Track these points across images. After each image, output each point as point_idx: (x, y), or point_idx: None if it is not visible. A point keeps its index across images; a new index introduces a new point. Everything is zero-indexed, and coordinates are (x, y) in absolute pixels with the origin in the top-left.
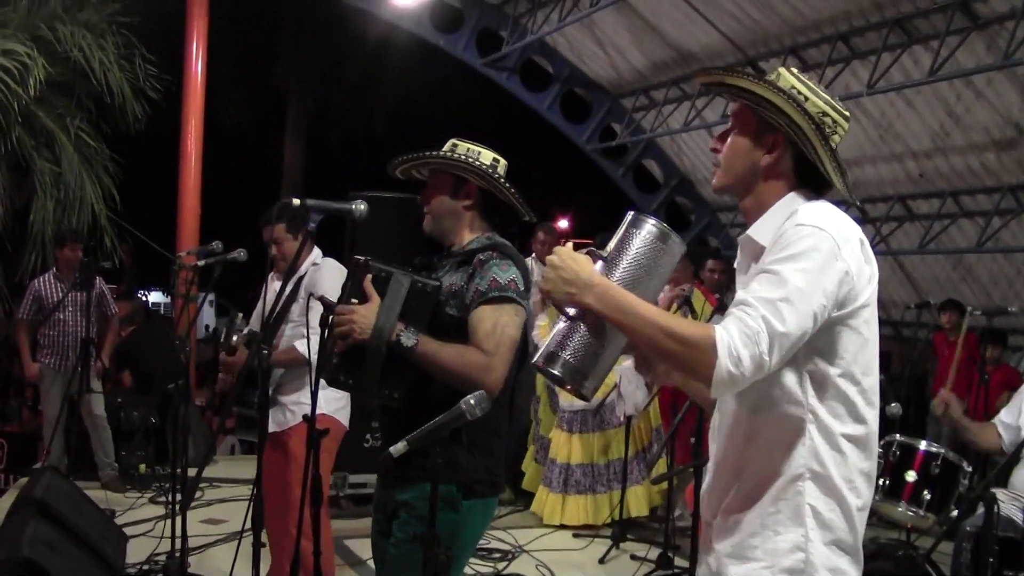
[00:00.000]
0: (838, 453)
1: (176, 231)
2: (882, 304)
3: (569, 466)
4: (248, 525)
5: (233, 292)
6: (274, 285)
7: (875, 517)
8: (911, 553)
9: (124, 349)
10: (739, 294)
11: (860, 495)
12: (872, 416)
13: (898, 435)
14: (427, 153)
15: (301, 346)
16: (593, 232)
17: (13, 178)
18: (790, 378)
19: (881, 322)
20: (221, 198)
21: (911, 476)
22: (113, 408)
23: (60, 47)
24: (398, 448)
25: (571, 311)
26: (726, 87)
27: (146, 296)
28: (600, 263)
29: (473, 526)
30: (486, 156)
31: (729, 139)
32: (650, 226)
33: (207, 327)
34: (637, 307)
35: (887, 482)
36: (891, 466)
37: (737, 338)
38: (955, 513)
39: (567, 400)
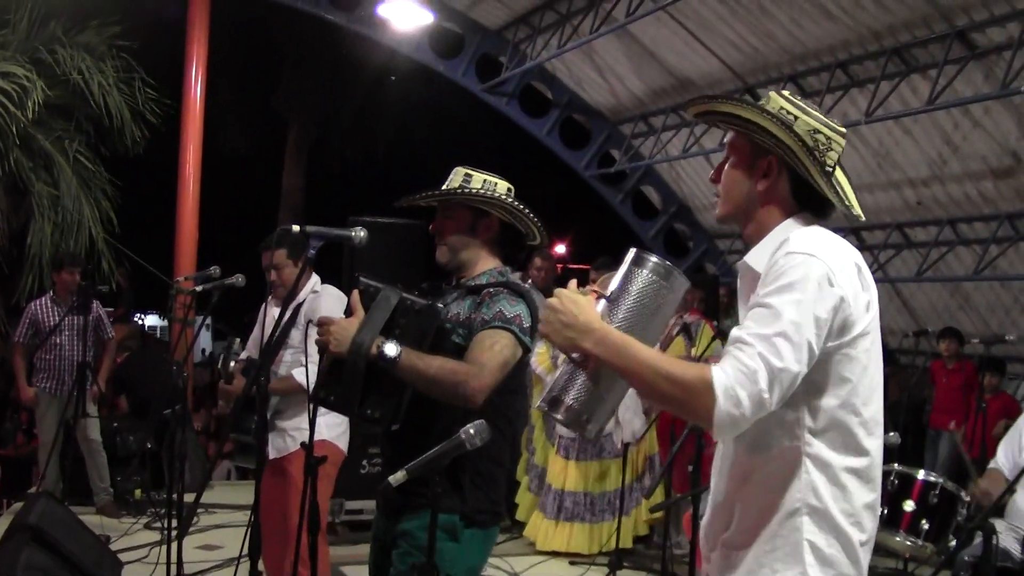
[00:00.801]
0: (837, 487)
1: (174, 255)
2: (880, 331)
3: (563, 493)
4: (245, 551)
5: (230, 316)
6: (272, 311)
7: (873, 546)
8: None
9: (121, 373)
10: (734, 331)
11: (863, 529)
12: (874, 446)
13: (896, 464)
14: (457, 189)
15: (299, 375)
16: (591, 258)
17: (11, 201)
18: (787, 412)
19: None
20: (219, 222)
21: (909, 506)
22: (109, 433)
23: (59, 70)
24: (397, 477)
25: (574, 355)
26: (716, 115)
27: (142, 320)
28: (603, 303)
29: (473, 556)
30: (501, 186)
31: (726, 168)
32: (653, 264)
33: (203, 351)
34: (635, 351)
35: (885, 511)
36: (889, 496)
37: (734, 379)
38: (953, 543)
39: None
